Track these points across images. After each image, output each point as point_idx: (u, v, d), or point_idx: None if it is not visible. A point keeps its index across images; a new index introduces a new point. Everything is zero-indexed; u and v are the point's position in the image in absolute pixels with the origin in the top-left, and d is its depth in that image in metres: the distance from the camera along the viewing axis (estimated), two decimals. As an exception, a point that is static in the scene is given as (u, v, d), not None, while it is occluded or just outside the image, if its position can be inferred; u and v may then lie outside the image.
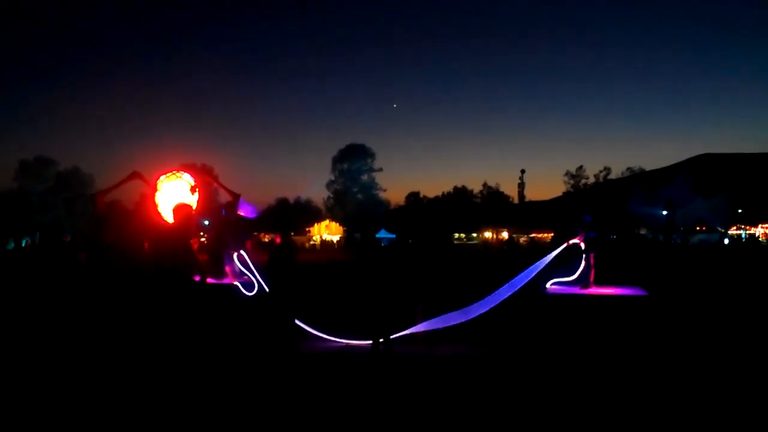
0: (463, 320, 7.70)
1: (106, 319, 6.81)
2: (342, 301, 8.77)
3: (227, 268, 9.37)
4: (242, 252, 8.74)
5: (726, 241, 44.64)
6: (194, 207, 7.79)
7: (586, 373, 6.10)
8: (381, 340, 6.92)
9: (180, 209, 6.52)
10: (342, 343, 7.66)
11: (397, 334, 7.27)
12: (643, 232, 52.96)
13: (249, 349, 7.19)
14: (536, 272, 8.72)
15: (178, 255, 6.16)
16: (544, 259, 8.93)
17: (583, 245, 9.25)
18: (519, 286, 8.34)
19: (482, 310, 7.89)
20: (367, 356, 6.90)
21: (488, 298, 8.08)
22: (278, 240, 9.37)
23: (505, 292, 8.20)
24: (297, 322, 7.46)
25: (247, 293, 8.32)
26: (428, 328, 7.60)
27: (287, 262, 7.49)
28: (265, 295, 7.66)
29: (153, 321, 6.12)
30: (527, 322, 8.75)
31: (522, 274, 8.55)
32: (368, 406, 5.14)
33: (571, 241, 9.31)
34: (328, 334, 7.74)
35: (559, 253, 9.16)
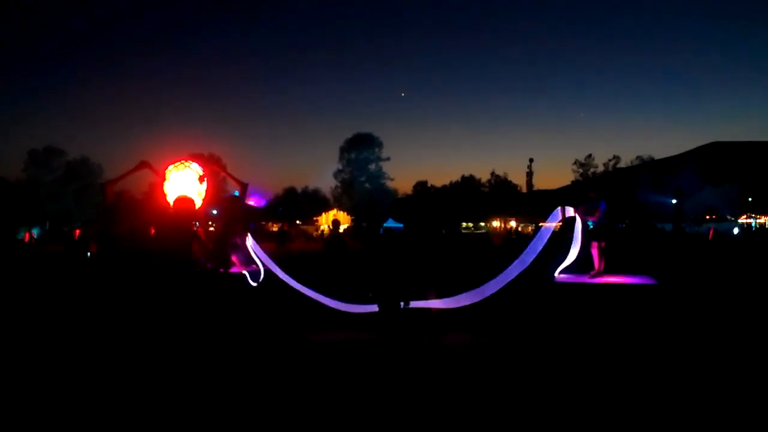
0: (476, 300, 7.70)
1: (115, 309, 6.84)
2: (350, 278, 8.70)
3: (234, 258, 9.39)
4: (249, 241, 8.73)
5: (736, 230, 44.20)
6: (202, 196, 7.79)
7: (593, 363, 6.09)
8: (389, 307, 6.71)
9: (180, 202, 6.48)
10: (347, 308, 7.62)
11: (408, 305, 7.10)
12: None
13: (253, 337, 7.18)
14: (541, 245, 8.62)
15: (179, 238, 6.14)
16: (544, 232, 8.83)
17: (579, 219, 8.96)
18: (528, 262, 8.32)
19: (494, 290, 7.90)
20: (375, 342, 6.85)
21: (499, 277, 8.10)
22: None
23: (515, 269, 8.21)
24: (301, 289, 7.35)
25: (252, 283, 8.32)
26: (440, 306, 7.57)
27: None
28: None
29: (153, 303, 6.09)
30: (535, 310, 8.74)
31: (528, 249, 8.50)
32: (374, 395, 5.15)
33: (568, 210, 8.87)
34: (334, 300, 7.72)
35: (559, 227, 9.02)
